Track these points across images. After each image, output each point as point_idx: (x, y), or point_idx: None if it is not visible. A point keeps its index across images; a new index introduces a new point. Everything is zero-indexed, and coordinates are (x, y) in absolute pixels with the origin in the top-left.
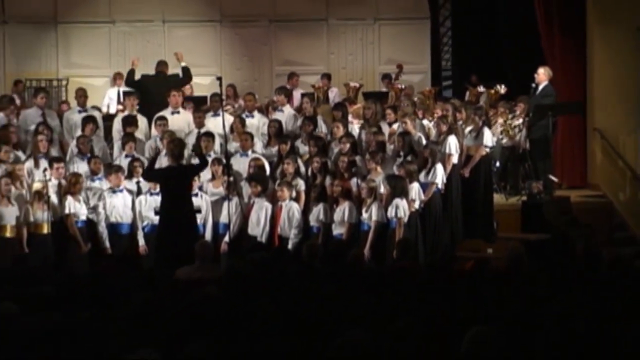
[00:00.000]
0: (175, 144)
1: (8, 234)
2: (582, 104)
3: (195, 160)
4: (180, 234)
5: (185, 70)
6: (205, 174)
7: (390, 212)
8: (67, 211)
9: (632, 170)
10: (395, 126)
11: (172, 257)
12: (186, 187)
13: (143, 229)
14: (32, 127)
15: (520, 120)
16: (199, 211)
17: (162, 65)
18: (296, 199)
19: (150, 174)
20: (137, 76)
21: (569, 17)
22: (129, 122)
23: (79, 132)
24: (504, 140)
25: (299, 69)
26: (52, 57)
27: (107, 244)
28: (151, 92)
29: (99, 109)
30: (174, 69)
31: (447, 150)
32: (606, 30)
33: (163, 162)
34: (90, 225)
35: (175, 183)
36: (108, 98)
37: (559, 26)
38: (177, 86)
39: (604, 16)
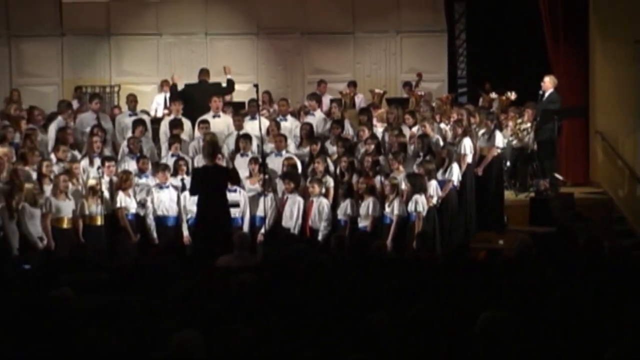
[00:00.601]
0: (209, 144)
1: (65, 226)
2: (585, 108)
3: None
4: (215, 227)
5: (230, 82)
6: (244, 172)
7: (411, 206)
8: (118, 205)
9: (630, 169)
10: (415, 129)
11: (208, 247)
12: (220, 186)
13: (187, 221)
14: (87, 129)
15: (529, 124)
16: (238, 205)
17: (204, 73)
18: (326, 195)
19: (193, 188)
20: (180, 86)
21: (573, 31)
22: (175, 124)
23: (129, 134)
24: (514, 142)
25: (328, 77)
26: (105, 66)
27: (155, 235)
28: (194, 98)
29: (147, 113)
30: (216, 78)
31: (462, 151)
32: (607, 43)
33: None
34: (139, 217)
35: (210, 181)
36: (156, 103)
37: (564, 38)
38: (220, 94)
39: (604, 30)
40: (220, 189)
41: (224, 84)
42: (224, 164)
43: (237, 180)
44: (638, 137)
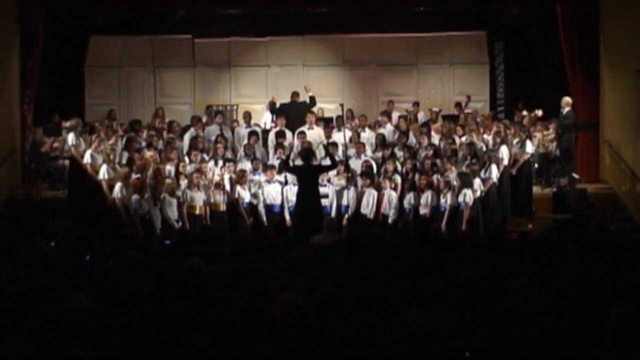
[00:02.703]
0: (303, 151)
1: (197, 212)
2: (596, 123)
3: (326, 161)
4: (309, 213)
5: (312, 98)
6: (332, 171)
7: (460, 198)
8: (236, 196)
9: (631, 171)
10: (464, 139)
11: (304, 228)
12: (313, 180)
13: (289, 208)
14: (213, 138)
15: (553, 135)
16: (327, 196)
17: (294, 95)
18: (394, 189)
19: (286, 168)
20: (277, 105)
21: (587, 62)
22: (280, 134)
23: (245, 141)
24: (540, 149)
25: (396, 99)
26: (226, 90)
27: (264, 218)
28: (288, 113)
29: (259, 126)
30: (303, 97)
31: (500, 156)
32: (613, 72)
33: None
34: (252, 205)
35: (304, 177)
36: (265, 118)
37: (580, 68)
38: (307, 109)
39: (612, 61)
40: (313, 184)
41: (307, 100)
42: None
43: (334, 165)
44: (638, 146)
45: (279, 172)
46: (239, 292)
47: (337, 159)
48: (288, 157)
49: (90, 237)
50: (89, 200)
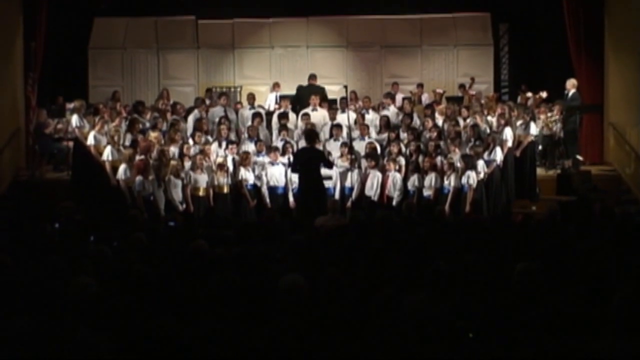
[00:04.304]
0: (306, 131)
1: (201, 194)
2: (600, 105)
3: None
4: (313, 195)
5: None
6: (336, 153)
7: (464, 180)
8: (240, 178)
9: (635, 152)
10: (468, 120)
11: (308, 210)
12: (316, 163)
13: (292, 190)
14: (217, 120)
15: (557, 117)
16: (331, 178)
17: (312, 78)
18: (398, 171)
19: (294, 167)
20: (293, 90)
21: (592, 44)
22: (283, 116)
23: (249, 123)
24: (545, 131)
25: (400, 80)
26: (230, 71)
27: (268, 200)
28: (305, 96)
29: (263, 107)
30: (320, 81)
31: (504, 138)
32: (618, 54)
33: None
34: (256, 187)
35: (306, 160)
36: (269, 100)
37: (585, 50)
38: (319, 94)
39: (616, 44)
40: (316, 166)
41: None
42: (320, 147)
43: (330, 165)
44: None
45: (293, 171)
46: (242, 274)
47: (340, 140)
48: (292, 162)
49: (94, 219)
50: (93, 182)
